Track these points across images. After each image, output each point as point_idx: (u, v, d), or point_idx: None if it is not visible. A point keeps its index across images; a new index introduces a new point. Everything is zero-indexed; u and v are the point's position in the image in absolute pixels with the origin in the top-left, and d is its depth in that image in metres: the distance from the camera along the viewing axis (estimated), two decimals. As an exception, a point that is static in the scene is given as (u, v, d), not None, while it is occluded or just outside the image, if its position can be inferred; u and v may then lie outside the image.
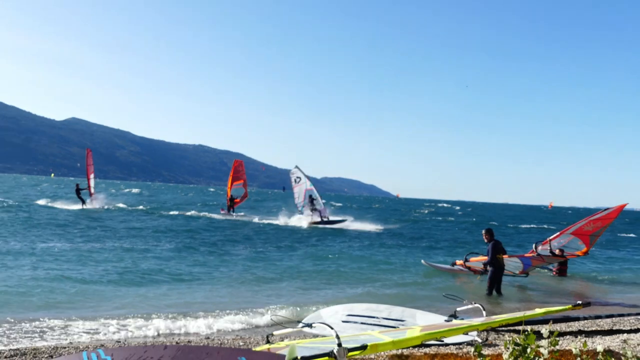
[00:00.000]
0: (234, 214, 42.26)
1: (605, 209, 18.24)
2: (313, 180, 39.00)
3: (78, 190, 42.64)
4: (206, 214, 42.61)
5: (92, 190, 42.49)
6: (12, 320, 9.37)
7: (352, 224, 37.15)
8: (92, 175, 42.47)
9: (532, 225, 54.75)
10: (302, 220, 38.04)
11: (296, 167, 39.22)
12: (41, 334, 8.72)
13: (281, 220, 39.01)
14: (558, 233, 18.70)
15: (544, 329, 3.05)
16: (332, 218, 37.65)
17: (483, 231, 15.38)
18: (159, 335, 9.07)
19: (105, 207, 42.71)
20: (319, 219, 37.02)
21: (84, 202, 41.84)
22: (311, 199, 37.88)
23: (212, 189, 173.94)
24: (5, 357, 6.38)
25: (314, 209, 37.51)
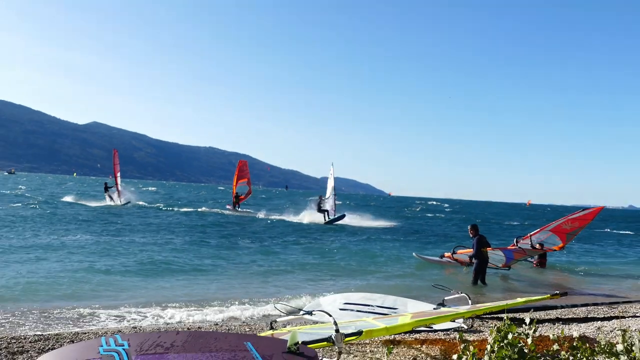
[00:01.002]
0: (239, 209, 42.74)
1: (583, 210, 18.28)
2: (312, 180, 38.97)
3: (106, 188, 42.91)
4: (218, 210, 42.92)
5: (120, 188, 42.61)
6: (39, 308, 9.39)
7: (351, 221, 37.09)
8: (118, 174, 42.54)
9: (515, 222, 54.78)
10: (305, 216, 38.00)
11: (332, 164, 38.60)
12: (64, 321, 8.74)
13: (286, 216, 39.02)
14: (538, 229, 18.75)
15: (526, 317, 3.05)
16: (331, 217, 37.40)
17: (469, 227, 15.45)
18: (172, 322, 9.07)
19: (129, 203, 42.72)
20: (324, 219, 36.75)
21: (112, 198, 42.03)
22: (320, 199, 37.69)
23: (221, 188, 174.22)
24: (30, 342, 6.38)
25: (321, 210, 37.23)
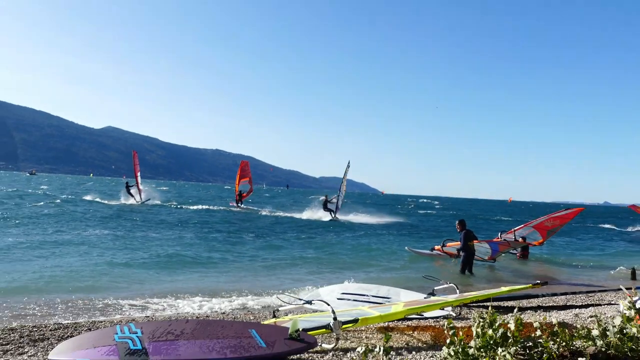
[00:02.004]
0: (242, 205, 43.23)
1: (566, 209, 18.40)
2: (312, 179, 38.84)
3: (128, 187, 42.92)
4: (225, 207, 43.02)
5: (141, 187, 42.58)
6: (60, 299, 9.38)
7: (349, 217, 36.99)
8: (138, 174, 42.52)
9: (499, 217, 54.81)
10: (306, 214, 37.88)
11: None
12: (83, 310, 8.73)
13: (288, 213, 38.98)
14: (522, 225, 18.87)
15: (509, 305, 3.06)
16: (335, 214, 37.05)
17: (456, 222, 15.47)
18: (182, 312, 9.07)
19: (149, 200, 42.64)
20: (331, 216, 36.43)
21: (133, 197, 42.02)
22: (326, 198, 37.30)
23: (227, 187, 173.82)
24: (50, 330, 6.38)
25: (327, 208, 36.78)
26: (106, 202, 41.32)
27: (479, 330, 2.90)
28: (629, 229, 43.79)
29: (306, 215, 37.60)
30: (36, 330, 6.29)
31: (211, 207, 42.33)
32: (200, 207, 42.13)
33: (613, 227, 45.93)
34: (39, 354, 5.12)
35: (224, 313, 8.85)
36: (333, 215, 36.32)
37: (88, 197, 45.04)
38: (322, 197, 38.21)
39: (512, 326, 2.95)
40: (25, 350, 5.30)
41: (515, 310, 2.78)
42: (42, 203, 35.35)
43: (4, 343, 5.60)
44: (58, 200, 38.94)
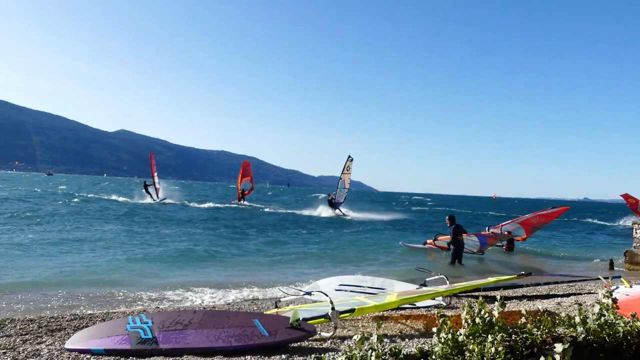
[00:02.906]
0: (245, 202, 43.62)
1: (552, 208, 18.47)
2: (311, 178, 38.68)
3: (146, 187, 42.90)
4: (231, 205, 43.08)
5: (157, 186, 42.55)
6: (77, 293, 9.38)
7: (348, 214, 36.90)
8: (155, 174, 42.47)
9: (489, 213, 54.88)
10: (308, 210, 37.76)
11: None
12: (98, 303, 8.73)
13: (290, 210, 38.95)
14: (510, 221, 18.92)
15: (496, 295, 3.06)
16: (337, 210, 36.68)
17: (446, 217, 15.50)
18: (190, 303, 9.07)
19: (165, 199, 42.57)
20: (339, 213, 36.12)
21: (150, 195, 41.97)
22: (329, 196, 36.87)
23: (232, 186, 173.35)
24: (67, 321, 6.38)
25: (332, 205, 36.29)
26: (121, 199, 41.29)
27: (467, 318, 2.90)
28: (608, 223, 43.84)
29: (307, 212, 37.54)
30: (54, 321, 6.29)
31: (219, 205, 42.32)
32: (209, 205, 42.07)
33: (593, 221, 45.99)
34: (56, 343, 5.11)
35: (229, 304, 8.85)
36: (340, 212, 35.98)
37: (105, 196, 45.01)
38: (323, 195, 38.04)
39: (496, 313, 2.95)
40: (44, 339, 5.30)
41: (499, 299, 2.78)
42: (61, 202, 35.35)
43: (23, 333, 5.59)
44: (76, 200, 38.93)
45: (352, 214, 37.01)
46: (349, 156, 36.70)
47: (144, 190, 42.90)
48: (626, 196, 39.83)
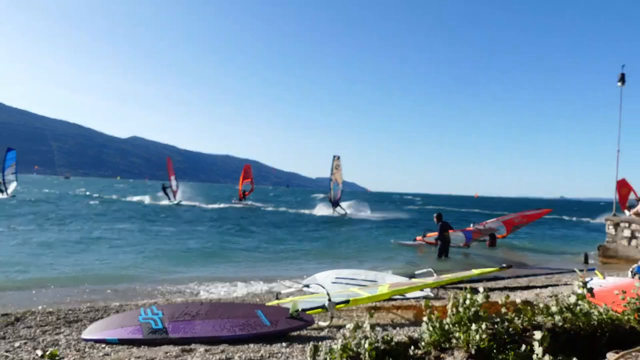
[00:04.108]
0: (247, 202, 43.54)
1: (536, 209, 18.53)
2: (309, 180, 38.32)
3: (164, 189, 42.79)
4: (239, 205, 43.02)
5: (175, 188, 42.42)
6: (95, 287, 9.35)
7: (347, 212, 36.68)
8: (172, 177, 42.34)
9: (473, 210, 54.87)
10: (307, 210, 37.48)
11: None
12: (112, 296, 8.70)
13: (291, 209, 38.84)
14: (495, 219, 18.97)
15: (479, 286, 3.06)
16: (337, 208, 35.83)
17: (434, 215, 15.52)
18: (198, 296, 9.05)
19: (182, 201, 42.41)
20: (332, 212, 35.35)
21: (168, 197, 41.87)
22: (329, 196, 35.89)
23: (237, 187, 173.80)
24: (83, 313, 6.35)
25: (336, 204, 35.18)
26: (140, 199, 41.13)
27: (453, 308, 2.90)
28: (583, 219, 43.94)
29: (307, 211, 37.43)
30: (71, 313, 6.27)
31: (226, 205, 42.20)
32: (219, 205, 41.85)
33: (569, 218, 46.08)
34: (73, 333, 5.10)
35: (234, 297, 8.84)
36: (342, 210, 35.48)
37: (123, 198, 44.85)
38: (323, 196, 37.79)
39: (479, 298, 2.95)
40: (62, 330, 5.28)
41: (482, 290, 2.79)
42: (81, 203, 35.28)
43: (43, 324, 5.58)
44: (96, 201, 38.83)
45: (350, 214, 36.84)
46: (334, 156, 35.55)
47: (162, 192, 42.80)
48: (622, 183, 32.99)
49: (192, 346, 4.18)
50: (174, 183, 42.26)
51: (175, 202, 41.15)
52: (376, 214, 38.69)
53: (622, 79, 16.67)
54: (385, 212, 41.89)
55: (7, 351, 4.26)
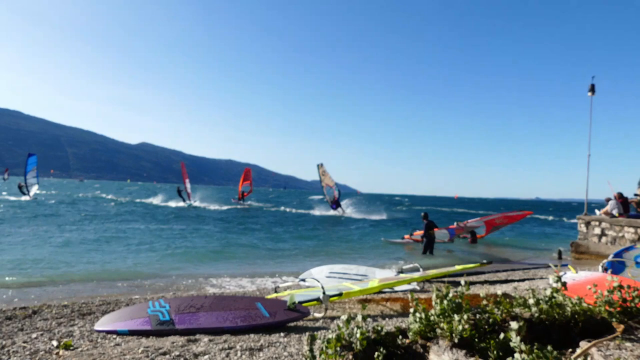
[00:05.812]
0: (246, 202, 44.08)
1: (518, 211, 18.58)
2: (305, 182, 38.24)
3: (179, 192, 42.56)
4: (242, 206, 42.95)
5: (189, 191, 42.24)
6: (109, 283, 9.31)
7: (338, 213, 36.65)
8: (187, 180, 42.13)
9: (455, 210, 54.97)
10: (305, 210, 37.36)
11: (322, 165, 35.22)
12: (123, 290, 8.66)
13: (290, 209, 38.76)
14: (478, 218, 18.98)
15: (461, 280, 3.06)
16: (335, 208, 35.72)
17: (422, 214, 15.53)
18: (203, 289, 9.01)
19: (196, 202, 42.17)
20: (332, 212, 35.37)
21: (183, 199, 41.63)
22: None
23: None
24: (96, 306, 6.32)
25: (337, 203, 35.03)
26: (149, 201, 40.89)
27: (437, 300, 2.90)
28: (557, 218, 44.13)
29: (304, 211, 37.36)
30: (84, 306, 6.23)
31: (231, 207, 42.06)
32: (225, 207, 41.71)
33: (545, 217, 46.25)
34: (86, 325, 5.06)
35: (237, 291, 8.80)
36: (342, 210, 35.33)
37: (137, 199, 44.57)
38: (319, 197, 37.78)
39: (461, 289, 2.94)
40: (76, 322, 5.25)
41: (464, 283, 2.79)
42: (98, 204, 35.03)
43: (58, 317, 5.54)
44: (112, 203, 38.59)
45: (345, 212, 36.79)
46: (318, 165, 35.16)
47: (177, 195, 42.59)
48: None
49: (197, 336, 4.17)
50: (188, 186, 42.09)
51: (190, 203, 40.97)
52: (367, 214, 38.70)
53: (592, 89, 16.78)
54: (375, 212, 41.94)
55: (24, 342, 4.23)
